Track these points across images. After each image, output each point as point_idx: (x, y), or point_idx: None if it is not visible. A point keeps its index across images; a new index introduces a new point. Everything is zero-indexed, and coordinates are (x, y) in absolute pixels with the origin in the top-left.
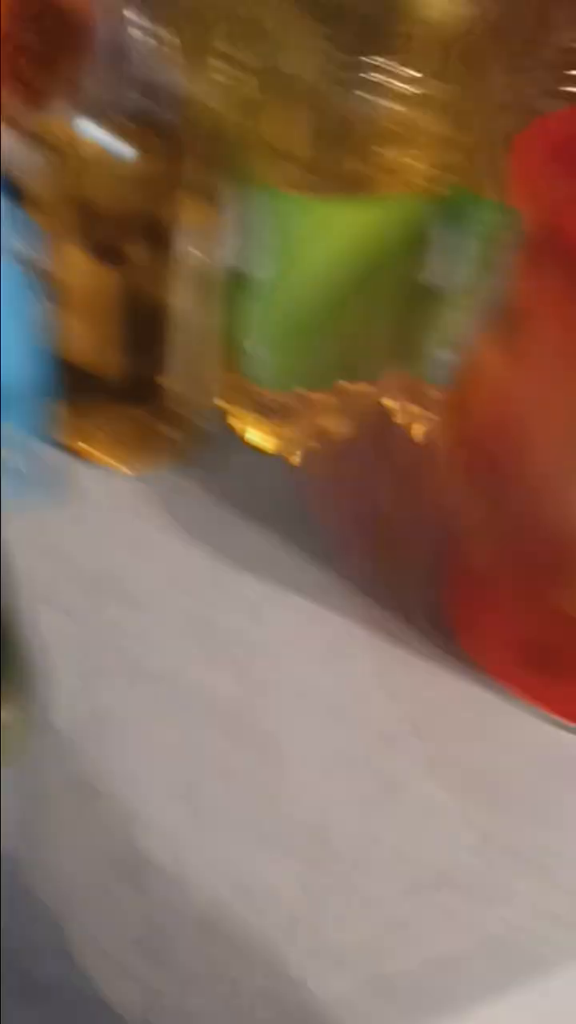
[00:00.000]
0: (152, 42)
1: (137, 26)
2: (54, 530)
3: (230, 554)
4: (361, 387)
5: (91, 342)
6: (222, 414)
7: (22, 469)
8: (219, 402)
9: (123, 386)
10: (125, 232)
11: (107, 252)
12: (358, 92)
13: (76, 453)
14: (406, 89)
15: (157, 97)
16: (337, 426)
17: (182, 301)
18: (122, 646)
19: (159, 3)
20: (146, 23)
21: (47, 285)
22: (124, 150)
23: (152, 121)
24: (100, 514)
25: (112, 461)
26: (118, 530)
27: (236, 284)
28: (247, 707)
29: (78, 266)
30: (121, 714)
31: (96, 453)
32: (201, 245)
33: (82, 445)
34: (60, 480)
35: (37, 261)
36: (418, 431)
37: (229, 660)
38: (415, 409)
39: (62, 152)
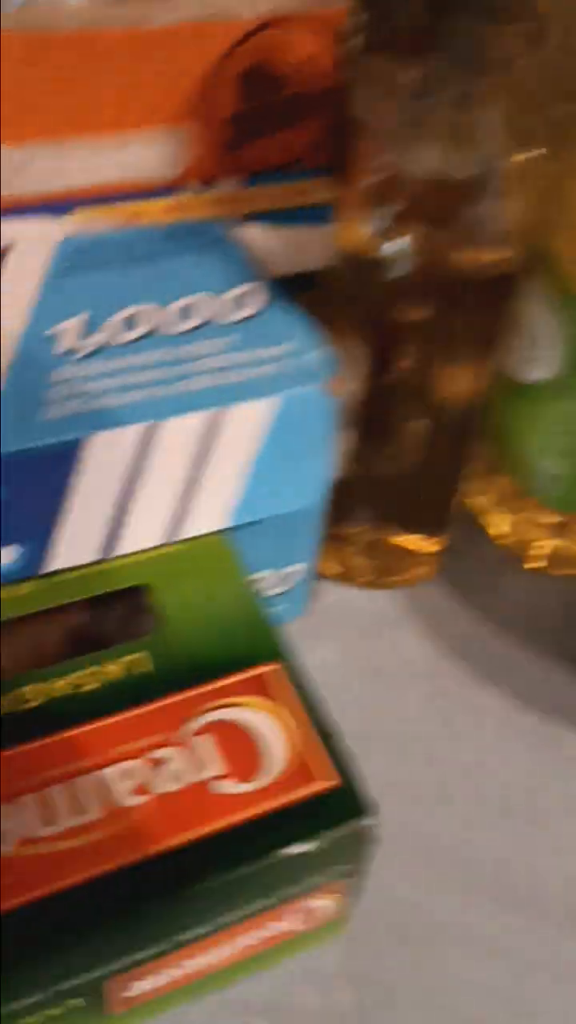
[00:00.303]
0: (438, 122)
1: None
2: (310, 659)
3: (503, 681)
4: None
5: (354, 457)
6: (493, 529)
7: (279, 592)
8: (491, 518)
9: (382, 501)
10: (400, 339)
11: (381, 361)
12: None
13: (331, 574)
14: None
15: (442, 188)
16: None
17: (463, 413)
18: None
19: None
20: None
21: (337, 405)
22: (401, 249)
23: (435, 216)
24: (356, 638)
25: (369, 580)
26: (377, 655)
27: (530, 397)
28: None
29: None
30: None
31: (353, 572)
32: (490, 354)
33: (337, 564)
34: (314, 602)
35: (328, 379)
36: None
37: (527, 821)
38: None
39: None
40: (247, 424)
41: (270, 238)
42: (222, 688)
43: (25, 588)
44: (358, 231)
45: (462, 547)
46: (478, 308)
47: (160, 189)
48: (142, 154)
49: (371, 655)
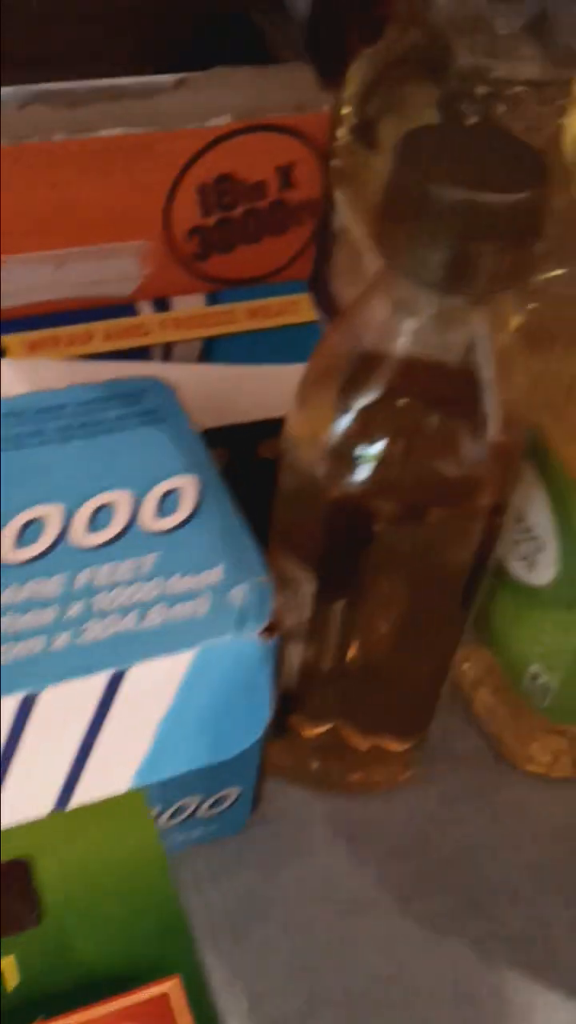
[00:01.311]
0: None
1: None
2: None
3: (489, 924)
4: None
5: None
6: (480, 708)
7: (209, 814)
8: (477, 694)
9: (344, 701)
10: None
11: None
12: None
13: (277, 770)
14: None
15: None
16: None
17: (443, 610)
18: None
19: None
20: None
21: (271, 648)
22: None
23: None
24: (298, 863)
25: (322, 782)
26: (324, 886)
27: (523, 598)
28: None
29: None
30: None
31: (304, 772)
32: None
33: (286, 759)
34: (255, 810)
35: (261, 622)
36: None
37: None
38: None
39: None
40: (155, 682)
41: (229, 379)
42: (102, 1018)
43: None
44: (317, 420)
45: (442, 735)
46: (457, 518)
47: (110, 308)
48: (86, 271)
49: (316, 886)
